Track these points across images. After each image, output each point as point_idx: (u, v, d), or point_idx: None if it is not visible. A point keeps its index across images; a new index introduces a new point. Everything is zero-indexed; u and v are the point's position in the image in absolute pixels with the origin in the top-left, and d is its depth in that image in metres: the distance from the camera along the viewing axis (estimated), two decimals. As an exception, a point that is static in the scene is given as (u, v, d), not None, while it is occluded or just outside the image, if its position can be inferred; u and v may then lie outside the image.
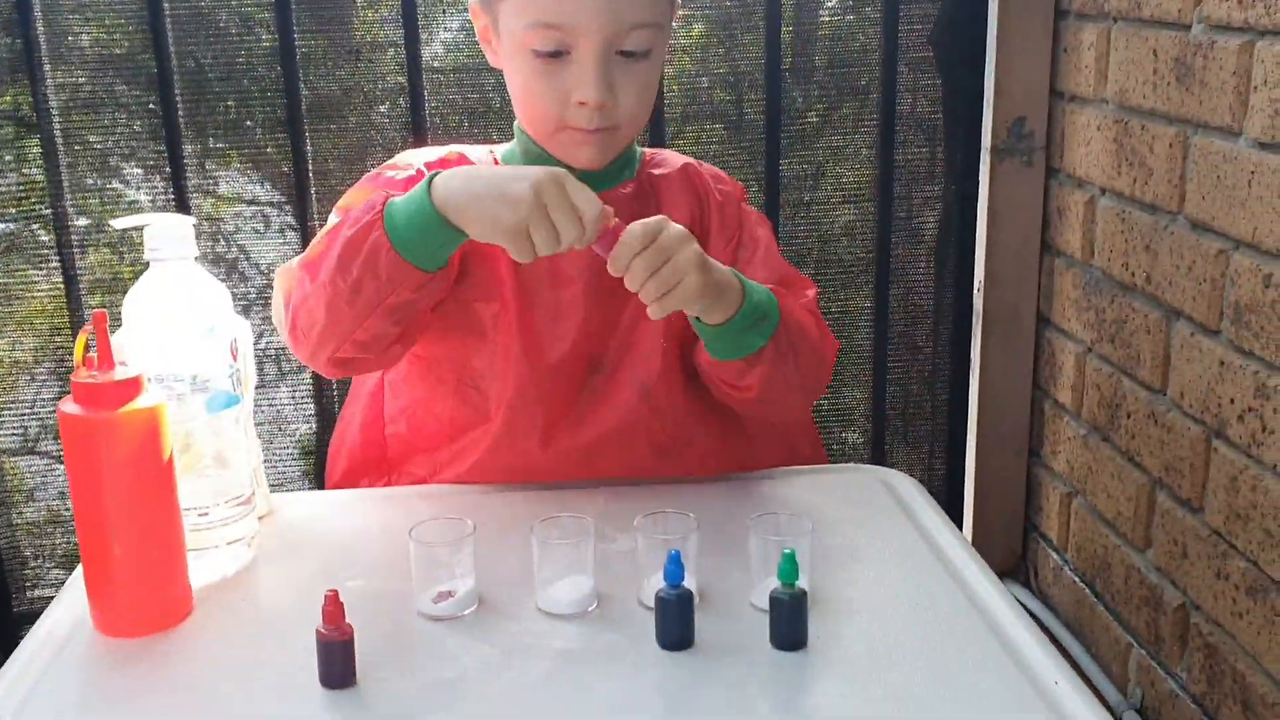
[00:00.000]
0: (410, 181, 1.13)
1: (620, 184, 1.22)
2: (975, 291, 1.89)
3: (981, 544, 1.96)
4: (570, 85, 1.10)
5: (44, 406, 1.80)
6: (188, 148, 1.73)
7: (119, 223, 0.94)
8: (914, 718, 0.80)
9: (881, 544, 1.05)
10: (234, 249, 1.80)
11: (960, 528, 1.85)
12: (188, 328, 0.91)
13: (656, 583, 0.87)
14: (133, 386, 0.84)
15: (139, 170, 1.74)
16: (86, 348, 0.84)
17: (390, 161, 1.23)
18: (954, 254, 1.87)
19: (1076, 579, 1.84)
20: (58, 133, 1.71)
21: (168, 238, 0.91)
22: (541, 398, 1.17)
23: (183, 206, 1.73)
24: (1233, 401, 1.41)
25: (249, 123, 1.75)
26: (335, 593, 0.80)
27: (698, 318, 1.05)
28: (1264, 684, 1.37)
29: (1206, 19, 1.41)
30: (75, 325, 1.75)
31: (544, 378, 1.16)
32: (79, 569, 0.92)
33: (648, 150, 1.30)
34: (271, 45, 1.71)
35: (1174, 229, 1.50)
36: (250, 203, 1.80)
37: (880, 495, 1.13)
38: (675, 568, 0.83)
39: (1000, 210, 1.84)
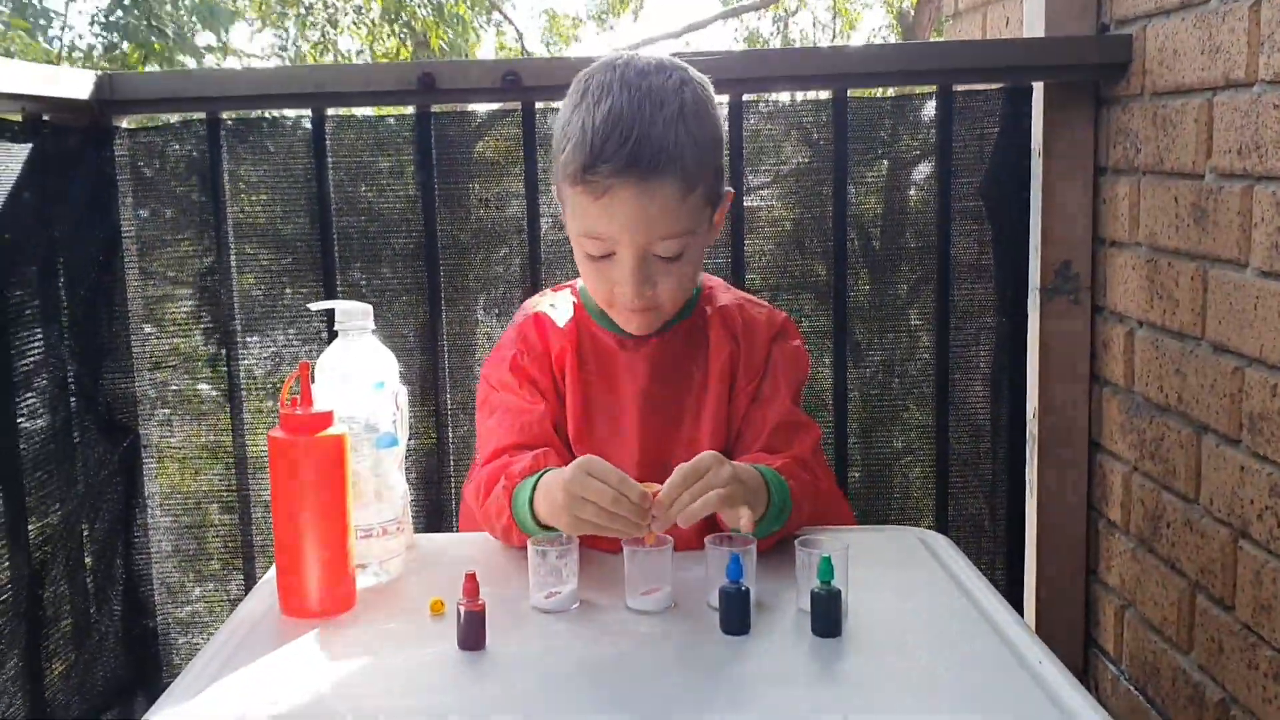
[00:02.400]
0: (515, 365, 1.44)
1: (681, 321, 1.47)
2: (1030, 418, 2.08)
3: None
4: (615, 280, 1.35)
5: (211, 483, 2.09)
6: (339, 276, 2.04)
7: (315, 305, 1.22)
8: (932, 694, 0.99)
9: (913, 580, 1.25)
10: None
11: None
12: (363, 382, 1.17)
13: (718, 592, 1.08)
14: (325, 419, 1.10)
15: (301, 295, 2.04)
16: (290, 389, 1.10)
17: (511, 326, 1.50)
18: (1007, 381, 2.07)
19: (1131, 688, 1.96)
20: (232, 261, 2.03)
21: (352, 315, 1.19)
22: None
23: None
24: (1253, 502, 1.57)
25: (391, 255, 2.06)
26: (473, 574, 1.03)
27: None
28: (1290, 761, 1.50)
29: (1215, 168, 1.63)
30: (236, 419, 2.04)
31: None
32: (270, 571, 1.16)
33: (706, 281, 1.54)
34: (414, 192, 2.02)
35: (1198, 352, 1.70)
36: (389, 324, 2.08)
37: (917, 549, 1.33)
38: (736, 567, 1.04)
39: (1051, 344, 2.04)
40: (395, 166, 2.04)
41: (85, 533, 1.90)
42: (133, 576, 2.05)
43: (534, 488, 1.25)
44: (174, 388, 2.07)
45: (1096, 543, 2.08)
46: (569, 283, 1.58)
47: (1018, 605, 2.14)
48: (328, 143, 2.01)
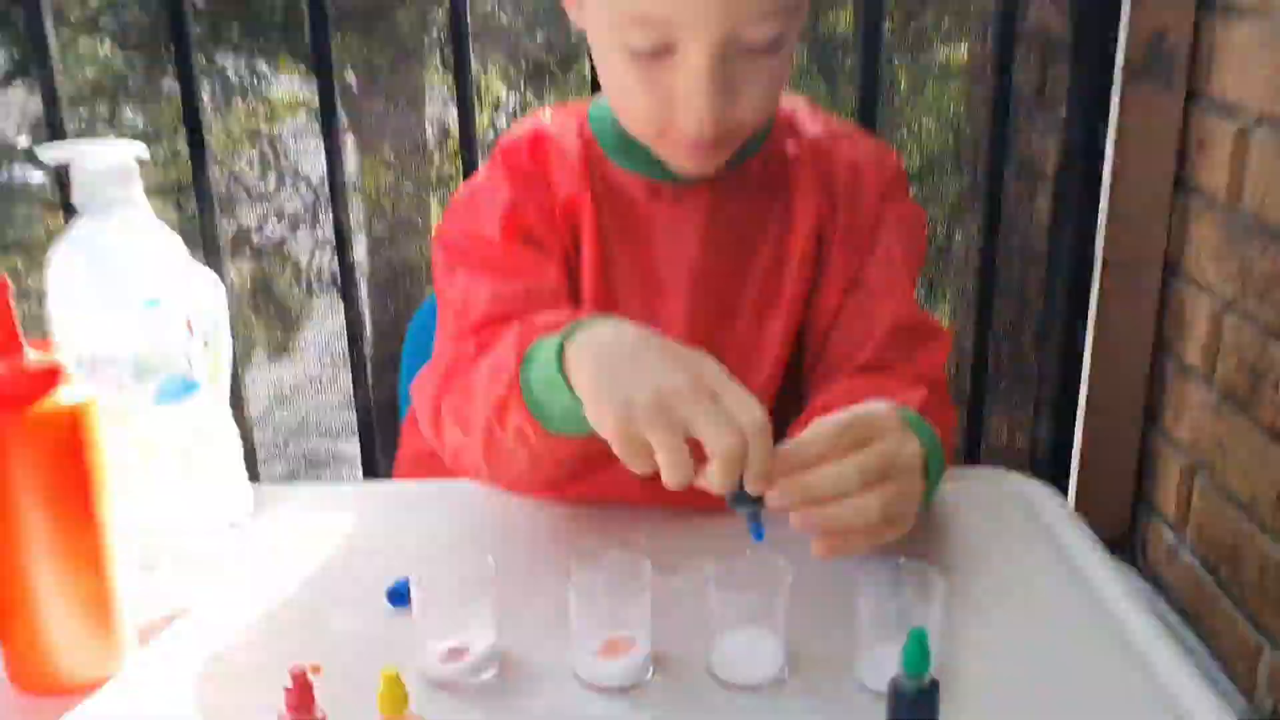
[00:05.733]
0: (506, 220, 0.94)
1: (747, 160, 0.98)
2: (1097, 234, 1.66)
3: (1084, 513, 1.79)
4: (677, 91, 0.87)
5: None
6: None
7: (45, 153, 0.73)
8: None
9: (1016, 563, 0.85)
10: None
11: (1065, 495, 1.65)
12: (126, 297, 0.71)
13: (730, 645, 0.66)
14: (48, 377, 0.65)
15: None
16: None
17: (490, 165, 1.00)
18: (1077, 191, 1.65)
19: (1196, 563, 1.64)
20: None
21: (100, 177, 0.70)
22: None
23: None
24: None
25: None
26: (303, 673, 0.60)
27: None
28: None
29: None
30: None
31: None
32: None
33: (784, 103, 1.04)
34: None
35: (1352, 171, 1.26)
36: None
37: (1014, 508, 0.91)
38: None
39: (1130, 140, 1.61)
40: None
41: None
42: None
43: (563, 345, 0.77)
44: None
45: (1163, 388, 1.70)
46: (567, 105, 1.06)
47: (1064, 452, 1.80)
48: None
